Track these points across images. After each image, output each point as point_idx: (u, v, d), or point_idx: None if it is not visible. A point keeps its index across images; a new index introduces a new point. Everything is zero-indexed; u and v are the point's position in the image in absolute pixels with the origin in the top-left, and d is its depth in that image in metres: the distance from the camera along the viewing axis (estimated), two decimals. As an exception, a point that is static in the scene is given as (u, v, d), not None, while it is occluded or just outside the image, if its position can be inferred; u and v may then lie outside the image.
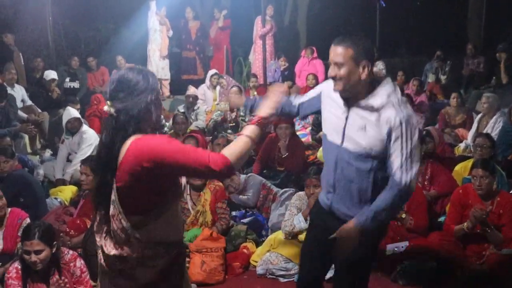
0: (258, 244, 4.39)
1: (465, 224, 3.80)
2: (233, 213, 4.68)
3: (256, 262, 4.12)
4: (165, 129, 6.88)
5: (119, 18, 12.01)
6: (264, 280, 3.96)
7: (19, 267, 3.18)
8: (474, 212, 3.70)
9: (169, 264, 2.02)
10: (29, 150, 6.74)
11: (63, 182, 5.79)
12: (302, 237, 3.89)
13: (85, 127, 6.18)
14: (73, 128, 6.04)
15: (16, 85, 7.48)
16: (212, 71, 9.29)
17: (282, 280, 3.90)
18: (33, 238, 3.07)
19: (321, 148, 4.76)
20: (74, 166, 5.81)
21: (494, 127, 6.21)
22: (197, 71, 10.33)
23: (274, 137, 5.67)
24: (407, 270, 3.81)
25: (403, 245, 3.96)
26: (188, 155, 1.83)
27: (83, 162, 4.46)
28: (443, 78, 9.76)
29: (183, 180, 2.13)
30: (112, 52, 10.60)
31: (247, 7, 11.97)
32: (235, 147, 1.91)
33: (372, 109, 2.27)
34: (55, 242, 3.18)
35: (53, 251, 3.15)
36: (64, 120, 6.07)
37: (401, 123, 2.21)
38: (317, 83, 8.30)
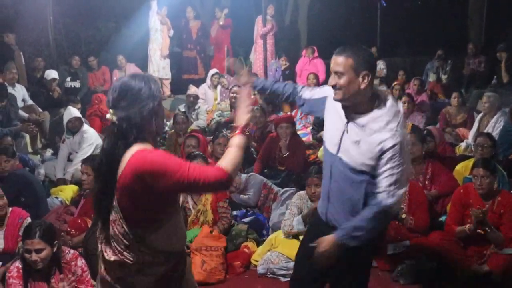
0: (259, 243, 4.40)
1: (467, 226, 3.80)
2: (234, 212, 4.68)
3: (257, 261, 4.12)
4: (166, 128, 6.86)
5: (120, 17, 12.03)
6: (265, 280, 3.96)
7: (20, 266, 3.19)
8: (473, 212, 3.70)
9: (169, 272, 2.03)
10: (30, 149, 6.75)
11: (64, 182, 5.79)
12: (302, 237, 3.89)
13: (86, 127, 6.18)
14: (74, 127, 6.04)
15: (17, 84, 7.49)
16: (212, 71, 9.31)
17: (283, 279, 3.89)
18: (34, 237, 3.08)
19: (321, 148, 4.75)
20: (75, 166, 5.80)
21: (495, 126, 6.21)
22: (198, 71, 10.35)
23: (275, 136, 5.66)
24: (408, 270, 3.82)
25: (403, 245, 3.96)
26: (188, 172, 1.84)
27: (84, 161, 4.46)
28: (444, 77, 9.76)
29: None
30: (113, 51, 10.60)
31: (247, 7, 11.98)
32: (229, 159, 1.95)
33: (370, 131, 2.28)
34: (56, 241, 3.18)
35: (54, 250, 3.16)
36: (65, 120, 6.07)
37: (393, 147, 2.23)
38: (318, 82, 8.29)
